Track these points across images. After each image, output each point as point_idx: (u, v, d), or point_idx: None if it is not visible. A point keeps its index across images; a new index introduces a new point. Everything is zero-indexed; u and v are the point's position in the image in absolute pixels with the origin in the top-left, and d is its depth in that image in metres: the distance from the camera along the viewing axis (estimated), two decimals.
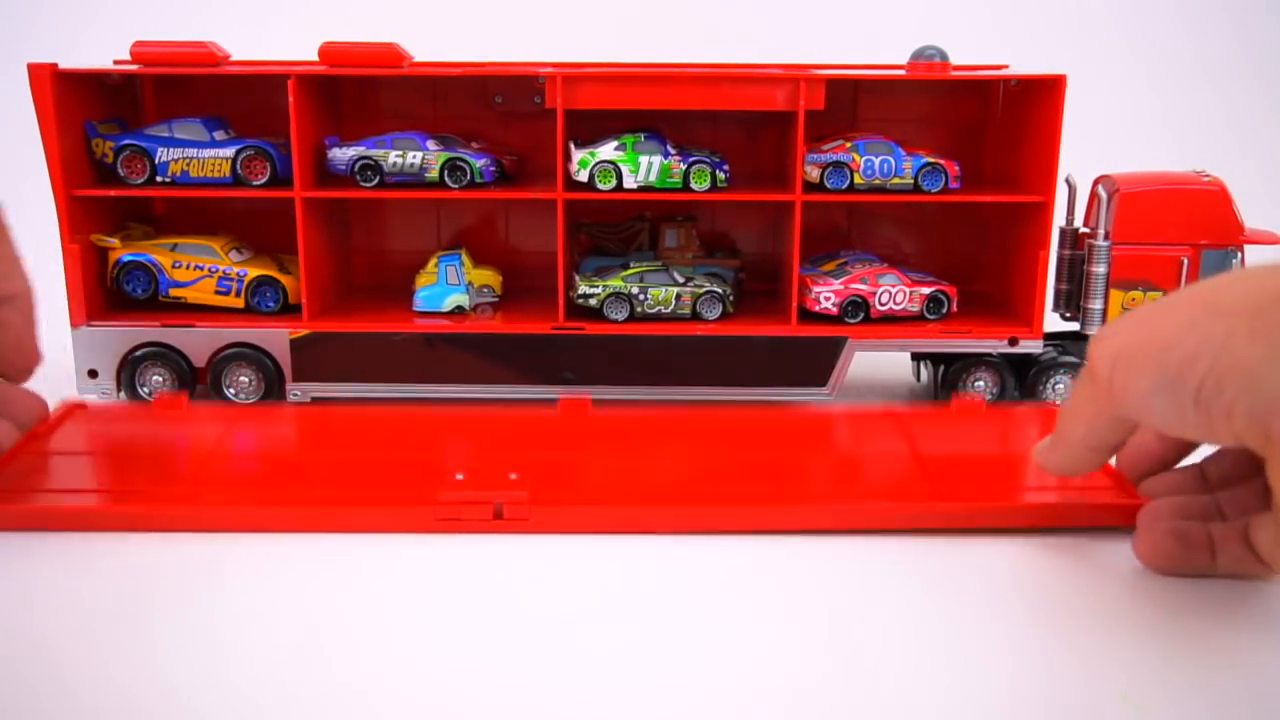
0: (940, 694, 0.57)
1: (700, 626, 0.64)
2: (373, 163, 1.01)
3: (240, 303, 1.03)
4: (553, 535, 0.74)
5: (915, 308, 1.03)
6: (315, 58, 0.99)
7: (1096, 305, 0.99)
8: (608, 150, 1.00)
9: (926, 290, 1.03)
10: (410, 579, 0.69)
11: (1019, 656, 0.61)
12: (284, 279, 1.03)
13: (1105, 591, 0.68)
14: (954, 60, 1.02)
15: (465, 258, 1.05)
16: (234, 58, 1.01)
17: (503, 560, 0.72)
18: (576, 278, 1.03)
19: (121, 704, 0.55)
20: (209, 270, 1.03)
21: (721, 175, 1.00)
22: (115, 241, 1.02)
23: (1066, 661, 0.60)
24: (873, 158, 1.00)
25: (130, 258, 1.02)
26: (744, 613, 0.65)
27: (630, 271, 1.03)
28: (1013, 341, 1.01)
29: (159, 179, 1.00)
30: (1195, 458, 0.73)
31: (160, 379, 1.02)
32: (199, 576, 0.69)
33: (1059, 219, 1.00)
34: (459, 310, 1.05)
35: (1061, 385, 1.02)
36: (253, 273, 1.03)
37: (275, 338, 1.02)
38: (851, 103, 1.11)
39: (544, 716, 0.54)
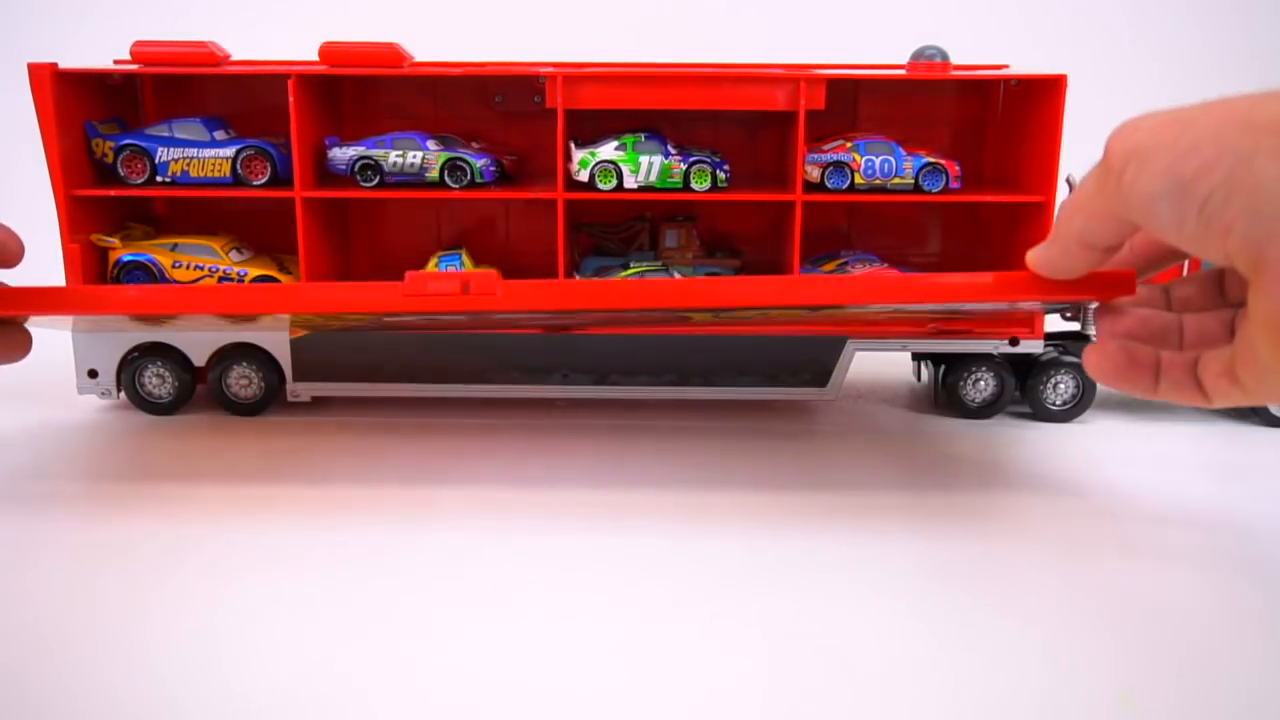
0: (939, 693, 0.57)
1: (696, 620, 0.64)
2: (373, 163, 1.01)
3: None
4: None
5: None
6: (315, 58, 0.99)
7: (1096, 305, 0.98)
8: (608, 150, 1.00)
9: None
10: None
11: (1018, 655, 0.61)
12: (284, 279, 1.03)
13: (1104, 588, 0.68)
14: (954, 60, 1.02)
15: (465, 258, 1.05)
16: (234, 58, 1.01)
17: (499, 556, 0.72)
18: (576, 278, 1.03)
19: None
20: (209, 270, 1.03)
21: (722, 175, 1.00)
22: (115, 241, 1.02)
23: (1066, 659, 0.60)
24: (873, 158, 1.00)
25: (130, 258, 1.02)
26: (741, 609, 0.65)
27: (630, 271, 1.03)
28: (1013, 341, 1.01)
29: (159, 179, 1.00)
30: None
31: (160, 379, 1.02)
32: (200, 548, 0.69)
33: None
34: None
35: (1062, 385, 1.02)
36: (253, 272, 1.03)
37: (275, 338, 1.02)
38: (852, 103, 1.11)
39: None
